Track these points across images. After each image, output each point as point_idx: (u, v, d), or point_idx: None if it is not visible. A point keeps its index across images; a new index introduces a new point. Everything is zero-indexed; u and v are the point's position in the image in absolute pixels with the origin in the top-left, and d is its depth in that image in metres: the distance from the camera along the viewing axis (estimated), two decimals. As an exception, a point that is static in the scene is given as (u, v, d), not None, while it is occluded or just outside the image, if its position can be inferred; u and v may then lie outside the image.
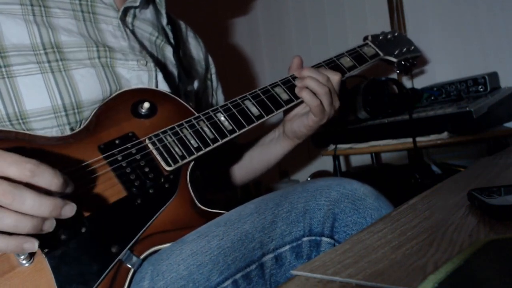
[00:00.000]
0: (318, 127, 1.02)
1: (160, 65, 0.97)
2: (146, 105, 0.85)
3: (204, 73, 1.21)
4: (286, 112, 1.07)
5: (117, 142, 0.80)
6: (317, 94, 0.98)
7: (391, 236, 0.46)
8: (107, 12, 0.92)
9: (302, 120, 1.02)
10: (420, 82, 1.79)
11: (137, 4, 0.95)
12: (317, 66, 1.07)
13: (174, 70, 1.02)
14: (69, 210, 0.59)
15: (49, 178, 0.57)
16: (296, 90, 1.00)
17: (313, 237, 0.68)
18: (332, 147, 1.62)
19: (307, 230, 0.69)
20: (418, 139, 1.38)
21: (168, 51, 1.03)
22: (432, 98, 1.61)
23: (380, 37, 1.24)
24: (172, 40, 1.08)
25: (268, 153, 1.12)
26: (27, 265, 0.65)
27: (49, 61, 0.82)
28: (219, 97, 1.26)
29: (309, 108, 0.98)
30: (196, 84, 1.13)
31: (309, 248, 0.68)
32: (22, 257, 0.65)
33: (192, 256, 0.69)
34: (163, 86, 0.93)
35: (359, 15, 2.00)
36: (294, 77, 1.03)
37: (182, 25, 1.21)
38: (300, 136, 1.05)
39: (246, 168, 1.17)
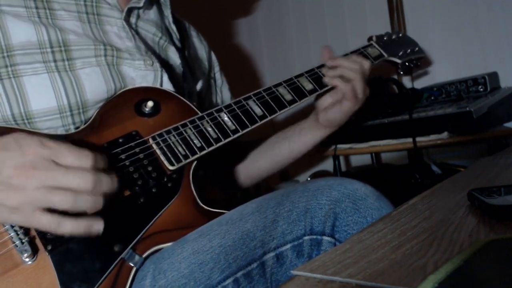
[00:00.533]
0: (351, 115, 1.05)
1: (165, 65, 0.97)
2: (150, 103, 0.86)
3: (207, 72, 1.21)
4: (317, 103, 1.08)
5: (120, 141, 0.80)
6: (352, 81, 1.01)
7: (391, 236, 0.46)
8: (111, 13, 0.92)
9: (336, 108, 1.04)
10: (420, 82, 1.79)
11: (141, 4, 0.95)
12: (320, 67, 1.07)
13: (177, 70, 1.02)
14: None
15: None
16: (327, 80, 1.04)
17: (314, 236, 0.69)
18: (332, 147, 1.62)
19: (308, 229, 0.69)
20: (418, 139, 1.38)
21: (172, 52, 1.02)
22: (432, 98, 1.60)
23: (385, 38, 1.24)
24: (177, 40, 1.08)
25: (299, 143, 1.12)
26: (30, 262, 0.66)
27: (55, 60, 0.82)
28: (224, 95, 1.26)
29: (342, 95, 1.02)
30: (200, 84, 1.13)
31: (310, 247, 0.69)
32: (26, 254, 0.65)
33: (193, 254, 0.70)
34: (168, 87, 0.94)
35: (359, 15, 2.00)
36: (297, 77, 1.03)
37: (186, 24, 1.21)
38: (335, 123, 1.07)
39: (272, 160, 1.16)
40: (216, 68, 1.26)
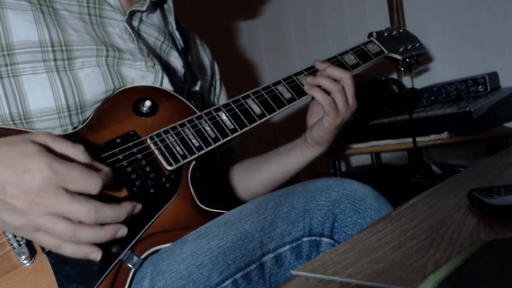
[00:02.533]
0: (335, 130, 0.98)
1: (166, 69, 0.96)
2: (148, 103, 0.85)
3: (209, 80, 1.21)
4: (307, 121, 1.05)
5: (118, 141, 0.80)
6: (331, 92, 0.96)
7: (391, 236, 0.46)
8: (114, 15, 0.91)
9: (319, 124, 0.98)
10: (420, 82, 1.79)
11: (144, 8, 0.95)
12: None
13: (179, 75, 1.02)
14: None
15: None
16: (306, 88, 0.99)
17: (313, 238, 0.68)
18: (332, 147, 1.61)
19: (307, 230, 0.69)
20: (418, 139, 1.38)
21: (174, 57, 1.02)
22: (432, 98, 1.60)
23: (385, 34, 1.22)
24: (180, 45, 1.07)
25: (288, 161, 1.06)
26: (28, 264, 0.66)
27: (55, 59, 0.82)
28: (221, 103, 1.24)
29: (322, 107, 0.96)
30: (199, 85, 1.12)
31: (309, 248, 0.68)
32: (23, 256, 0.65)
33: (192, 256, 0.69)
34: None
35: (359, 16, 2.00)
36: (297, 74, 1.02)
37: (190, 33, 1.21)
38: (320, 141, 1.01)
39: (261, 179, 1.09)
40: (217, 77, 1.25)
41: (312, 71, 1.04)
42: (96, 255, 0.64)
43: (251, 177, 1.11)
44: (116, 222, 0.66)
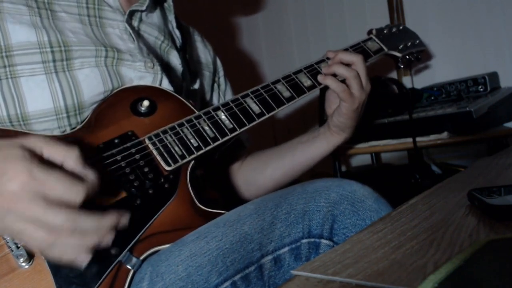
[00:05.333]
0: (355, 114, 1.01)
1: (166, 69, 0.96)
2: (146, 103, 0.85)
3: (212, 76, 1.21)
4: (326, 110, 1.07)
5: (116, 141, 0.80)
6: (346, 80, 0.99)
7: (391, 236, 0.46)
8: (113, 16, 0.91)
9: (338, 111, 1.01)
10: (420, 82, 1.79)
11: (144, 8, 0.95)
12: (319, 62, 1.06)
13: (178, 75, 1.02)
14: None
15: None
16: (320, 78, 1.01)
17: (312, 239, 0.68)
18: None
19: (306, 232, 0.68)
20: (418, 139, 1.38)
21: (174, 56, 1.02)
22: (432, 98, 1.60)
23: (385, 31, 1.22)
24: (179, 44, 1.07)
25: (313, 149, 1.09)
26: (26, 267, 0.65)
27: (54, 60, 0.81)
28: (227, 99, 1.24)
29: (337, 95, 0.99)
30: (198, 84, 1.12)
31: (308, 250, 0.68)
32: (22, 259, 0.65)
33: (191, 257, 0.69)
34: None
35: (359, 15, 2.00)
36: (296, 73, 1.02)
37: (190, 29, 1.21)
38: (342, 127, 1.04)
39: (286, 167, 1.11)
40: (221, 73, 1.25)
41: (311, 69, 1.04)
42: (81, 261, 0.59)
43: (273, 168, 1.12)
44: (98, 232, 0.60)
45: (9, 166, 0.57)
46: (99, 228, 0.60)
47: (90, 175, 0.62)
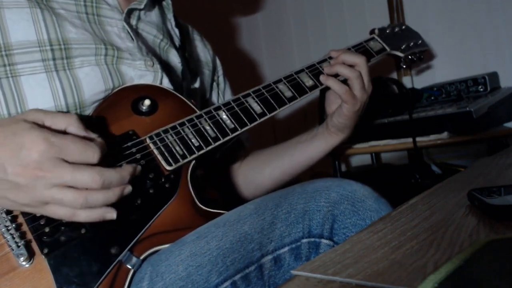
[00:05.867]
0: (355, 115, 1.01)
1: (165, 68, 0.96)
2: (147, 102, 0.84)
3: (211, 75, 1.20)
4: (326, 109, 1.07)
5: (117, 140, 0.80)
6: (348, 80, 0.99)
7: (391, 236, 0.46)
8: (111, 14, 0.91)
9: (339, 111, 1.01)
10: (420, 82, 1.79)
11: (142, 6, 0.95)
12: (321, 62, 1.06)
13: (178, 73, 1.01)
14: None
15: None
16: (322, 79, 1.01)
17: (312, 239, 0.68)
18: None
19: (306, 231, 0.68)
20: (418, 139, 1.38)
21: (173, 54, 1.02)
22: (432, 98, 1.60)
23: (387, 31, 1.21)
24: (178, 42, 1.07)
25: (312, 149, 1.09)
26: (27, 266, 0.66)
27: (54, 59, 0.81)
28: (226, 98, 1.24)
29: (339, 96, 0.99)
30: (198, 82, 1.12)
31: (308, 249, 0.68)
32: (22, 258, 0.65)
33: (191, 257, 0.69)
34: None
35: (359, 15, 2.00)
36: (298, 72, 1.02)
37: (189, 28, 1.21)
38: (341, 127, 1.04)
39: (285, 166, 1.12)
40: (220, 72, 1.25)
41: (313, 68, 1.03)
42: (112, 214, 0.66)
43: (272, 167, 1.13)
44: (121, 183, 0.67)
45: (24, 139, 0.60)
46: (122, 177, 0.66)
47: (94, 136, 0.67)
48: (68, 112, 0.81)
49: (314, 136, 1.09)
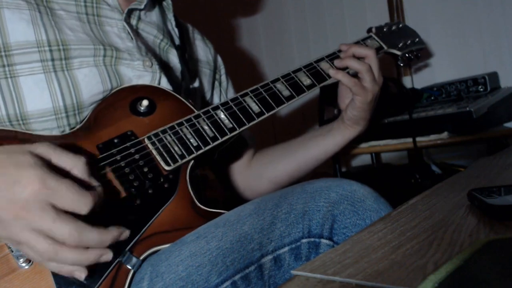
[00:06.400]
0: (369, 107, 1.03)
1: (164, 68, 0.96)
2: (145, 102, 0.85)
3: (212, 74, 1.20)
4: (340, 104, 1.09)
5: (115, 141, 0.80)
6: (359, 73, 1.01)
7: (391, 236, 0.46)
8: (111, 14, 0.91)
9: (352, 104, 1.03)
10: (420, 82, 1.79)
11: (142, 6, 0.95)
12: (318, 61, 1.06)
13: (178, 74, 1.01)
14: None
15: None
16: (332, 73, 1.02)
17: (312, 239, 0.68)
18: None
19: (306, 231, 0.68)
20: (418, 139, 1.38)
21: (173, 55, 1.02)
22: (432, 98, 1.60)
23: (384, 29, 1.22)
24: (178, 42, 1.07)
25: (327, 143, 1.10)
26: (27, 267, 0.65)
27: (53, 59, 0.81)
28: (229, 97, 1.24)
29: (350, 89, 1.01)
30: (197, 83, 1.12)
31: (308, 249, 0.68)
32: (22, 259, 0.65)
33: (191, 257, 0.69)
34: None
35: (359, 15, 2.00)
36: (295, 72, 1.02)
37: (189, 27, 1.20)
38: (356, 120, 1.05)
39: (299, 161, 1.13)
40: (222, 71, 1.25)
41: (311, 67, 1.04)
42: (79, 275, 0.62)
43: (286, 162, 1.13)
44: (100, 246, 0.63)
45: (22, 174, 0.58)
46: (102, 243, 0.63)
47: (96, 185, 0.64)
48: (77, 151, 0.79)
49: (330, 130, 1.11)
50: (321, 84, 1.03)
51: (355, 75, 1.03)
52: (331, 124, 1.12)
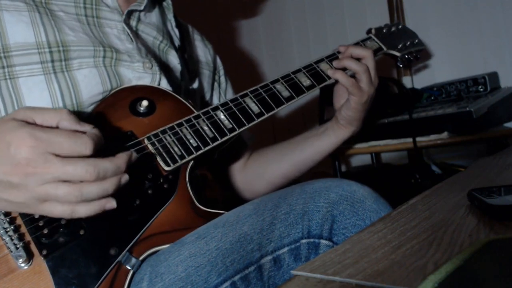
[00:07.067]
0: (363, 108, 1.03)
1: (164, 69, 0.96)
2: (145, 103, 0.84)
3: (211, 75, 1.21)
4: (334, 104, 1.09)
5: (115, 141, 0.79)
6: (356, 74, 1.01)
7: (391, 236, 0.46)
8: (111, 16, 0.91)
9: (347, 105, 1.04)
10: (420, 82, 1.79)
11: (142, 8, 0.95)
12: (318, 62, 1.06)
13: (177, 75, 1.01)
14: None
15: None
16: (330, 72, 1.03)
17: (312, 240, 0.68)
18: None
19: (305, 232, 0.68)
20: (418, 139, 1.38)
21: (172, 56, 1.02)
22: (432, 98, 1.60)
23: (384, 30, 1.22)
24: (177, 43, 1.07)
25: (322, 143, 1.11)
26: (26, 267, 0.65)
27: (52, 61, 0.81)
28: (228, 98, 1.24)
29: (346, 89, 1.01)
30: (197, 83, 1.12)
31: (307, 250, 0.68)
32: (21, 260, 0.65)
33: (190, 257, 0.69)
34: None
35: (359, 16, 2.00)
36: (295, 72, 1.02)
37: (189, 28, 1.20)
38: (350, 120, 1.06)
39: (295, 162, 1.13)
40: (221, 72, 1.25)
41: (310, 68, 1.04)
42: (112, 203, 0.64)
43: (282, 162, 1.14)
44: (116, 173, 0.64)
45: (11, 137, 0.59)
46: (118, 167, 0.64)
47: (88, 127, 0.65)
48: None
49: (324, 130, 1.11)
50: (321, 85, 1.03)
51: (352, 76, 1.03)
52: (326, 124, 1.12)
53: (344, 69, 1.04)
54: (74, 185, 0.60)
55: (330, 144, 1.11)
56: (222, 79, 1.25)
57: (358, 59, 1.05)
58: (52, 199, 0.60)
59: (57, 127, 0.64)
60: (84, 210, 0.62)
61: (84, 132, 0.64)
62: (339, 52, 1.09)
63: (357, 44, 1.13)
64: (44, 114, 0.63)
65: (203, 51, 1.20)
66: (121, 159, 0.65)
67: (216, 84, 1.22)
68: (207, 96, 1.18)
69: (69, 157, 0.60)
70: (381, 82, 1.48)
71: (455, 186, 0.65)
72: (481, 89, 1.51)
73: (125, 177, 0.65)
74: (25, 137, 0.58)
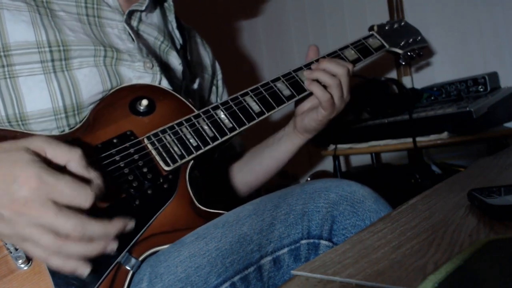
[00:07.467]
0: (327, 122, 1.01)
1: (165, 70, 0.96)
2: (145, 102, 0.84)
3: (210, 79, 1.21)
4: (297, 107, 1.06)
5: (115, 141, 0.79)
6: (328, 87, 0.97)
7: (391, 236, 0.46)
8: (112, 16, 0.91)
9: (312, 115, 1.01)
10: (420, 82, 1.79)
11: (143, 8, 0.95)
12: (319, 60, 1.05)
13: (178, 75, 1.01)
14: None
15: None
16: (306, 83, 0.99)
17: (312, 240, 0.68)
18: (332, 147, 1.61)
19: (305, 232, 0.68)
20: (418, 139, 1.38)
21: (173, 56, 1.01)
22: (432, 98, 1.60)
23: (386, 27, 1.20)
24: (179, 44, 1.07)
25: (279, 151, 1.09)
26: (25, 268, 0.65)
27: (52, 60, 0.81)
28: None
29: (319, 102, 0.97)
30: (197, 83, 1.12)
31: (307, 251, 0.68)
32: (21, 260, 0.65)
33: (190, 258, 0.69)
34: None
35: (359, 15, 2.00)
36: (296, 71, 1.01)
37: (191, 31, 1.21)
38: (310, 130, 1.04)
39: (256, 171, 1.13)
40: (219, 76, 1.25)
41: (311, 66, 1.03)
42: (82, 271, 0.61)
43: (248, 171, 1.14)
44: (105, 238, 0.62)
45: (19, 172, 0.57)
46: (106, 235, 0.61)
47: (94, 177, 0.63)
48: (72, 142, 0.75)
49: (281, 138, 1.09)
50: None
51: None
52: (283, 130, 1.10)
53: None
54: (57, 238, 0.58)
55: (287, 152, 1.09)
56: (220, 83, 1.25)
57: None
58: (33, 241, 0.59)
59: (64, 166, 0.62)
60: (56, 263, 0.60)
61: (89, 180, 0.62)
62: (335, 52, 1.06)
63: (335, 53, 1.07)
64: (57, 150, 0.62)
65: (203, 54, 1.21)
66: (113, 227, 0.62)
67: (214, 88, 1.23)
68: (206, 98, 1.18)
69: (65, 208, 0.58)
70: (381, 82, 1.49)
71: (455, 186, 0.65)
72: (481, 89, 1.51)
73: (112, 246, 0.62)
74: (31, 177, 0.57)
